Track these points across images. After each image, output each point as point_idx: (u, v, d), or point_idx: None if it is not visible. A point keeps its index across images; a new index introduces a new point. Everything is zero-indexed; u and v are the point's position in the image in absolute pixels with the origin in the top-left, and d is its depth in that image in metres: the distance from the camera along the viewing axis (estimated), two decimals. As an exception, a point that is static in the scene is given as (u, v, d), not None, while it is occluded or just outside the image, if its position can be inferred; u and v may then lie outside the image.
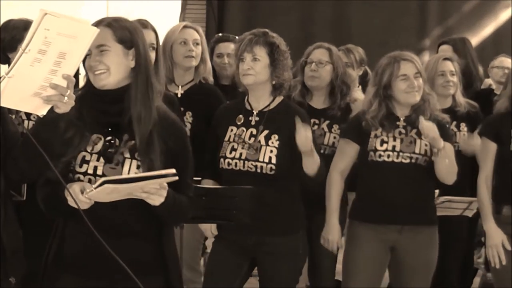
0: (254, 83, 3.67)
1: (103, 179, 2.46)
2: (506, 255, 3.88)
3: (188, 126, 4.16)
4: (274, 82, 3.69)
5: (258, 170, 3.61)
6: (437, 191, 4.08)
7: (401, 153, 3.86)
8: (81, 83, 2.81)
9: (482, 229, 4.08)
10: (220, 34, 5.44)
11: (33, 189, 2.79)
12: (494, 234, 3.90)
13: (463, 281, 4.92)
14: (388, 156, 3.87)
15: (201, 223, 3.83)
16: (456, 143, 4.48)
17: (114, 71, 2.66)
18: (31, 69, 2.35)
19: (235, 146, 3.68)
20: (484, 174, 3.97)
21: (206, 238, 4.79)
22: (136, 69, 2.69)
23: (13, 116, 2.85)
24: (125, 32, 2.69)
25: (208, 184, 3.75)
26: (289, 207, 3.69)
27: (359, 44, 5.27)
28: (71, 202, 2.54)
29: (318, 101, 4.43)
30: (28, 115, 3.65)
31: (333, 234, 3.99)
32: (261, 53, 3.64)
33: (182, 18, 8.59)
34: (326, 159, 3.87)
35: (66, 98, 2.45)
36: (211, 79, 4.45)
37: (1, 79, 2.36)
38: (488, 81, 5.36)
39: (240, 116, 3.74)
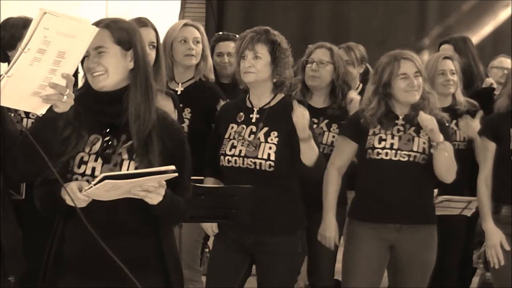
0: (255, 81, 3.66)
1: (103, 174, 2.46)
2: (505, 255, 3.88)
3: (186, 122, 4.17)
4: (275, 80, 3.68)
5: (257, 167, 3.60)
6: (436, 190, 4.07)
7: (399, 151, 3.85)
8: (80, 83, 2.81)
9: (481, 228, 4.08)
10: (220, 33, 5.42)
11: (32, 188, 2.78)
12: (493, 234, 3.90)
13: (462, 280, 4.91)
14: (386, 154, 3.86)
15: (200, 222, 3.83)
16: (456, 142, 4.48)
17: (113, 72, 2.66)
18: (31, 68, 2.35)
19: (235, 144, 3.67)
20: (483, 174, 3.97)
21: (207, 238, 4.80)
22: (134, 71, 2.69)
23: (12, 114, 2.83)
24: (123, 34, 2.68)
25: (210, 182, 3.76)
26: (288, 207, 3.68)
27: (358, 43, 5.26)
28: (68, 201, 2.54)
29: (318, 101, 4.43)
30: (27, 113, 3.65)
31: (330, 231, 3.99)
32: (263, 51, 3.64)
33: (182, 17, 8.60)
34: (325, 158, 3.86)
35: (65, 97, 2.45)
36: (212, 76, 4.45)
37: (1, 78, 2.36)
38: (489, 80, 5.35)
39: (241, 113, 3.74)
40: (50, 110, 2.47)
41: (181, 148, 2.77)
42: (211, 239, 4.05)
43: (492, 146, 3.96)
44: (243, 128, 3.70)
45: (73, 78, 2.46)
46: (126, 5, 7.53)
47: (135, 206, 2.63)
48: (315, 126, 4.28)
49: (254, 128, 3.69)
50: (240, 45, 3.68)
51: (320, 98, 4.43)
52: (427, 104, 3.91)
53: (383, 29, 8.55)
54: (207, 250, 5.50)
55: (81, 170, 2.67)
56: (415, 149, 3.86)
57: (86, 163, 2.68)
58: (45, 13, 2.29)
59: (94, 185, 2.46)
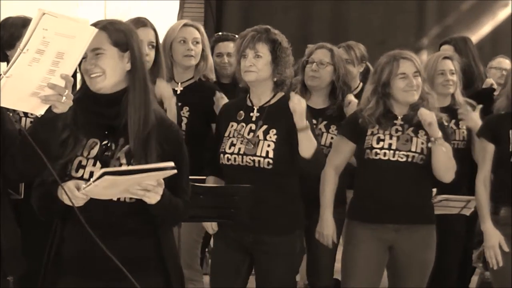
0: (256, 80, 3.66)
1: (102, 170, 2.45)
2: (505, 256, 3.88)
3: (184, 120, 4.18)
4: (275, 79, 3.68)
5: (256, 165, 3.60)
6: (434, 190, 4.07)
7: (397, 151, 3.85)
8: (78, 85, 2.81)
9: (480, 228, 4.08)
10: (220, 34, 5.42)
11: (31, 189, 2.79)
12: (492, 235, 3.90)
13: (461, 280, 4.91)
14: (384, 154, 3.86)
15: (200, 221, 3.83)
16: (455, 141, 4.48)
17: (110, 74, 2.66)
18: (29, 69, 2.35)
19: (234, 142, 3.68)
20: (482, 175, 3.97)
21: (208, 239, 4.80)
22: (132, 72, 2.69)
23: (10, 114, 2.83)
24: (120, 35, 2.69)
25: (211, 180, 3.76)
26: (288, 206, 3.68)
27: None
28: (66, 200, 2.54)
29: (317, 102, 4.42)
30: (25, 112, 3.64)
31: (327, 229, 4.00)
32: (263, 50, 3.64)
33: (180, 17, 8.60)
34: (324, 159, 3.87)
35: (64, 98, 2.45)
36: (212, 76, 4.46)
37: (-1, 78, 2.36)
38: (490, 81, 5.34)
39: (241, 112, 3.74)
40: (49, 110, 2.47)
41: (179, 150, 2.77)
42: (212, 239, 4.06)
43: (490, 148, 3.96)
44: (243, 126, 3.70)
45: (72, 79, 2.46)
46: (125, 5, 7.52)
47: (134, 206, 2.64)
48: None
49: (253, 126, 3.69)
50: (240, 44, 3.68)
51: (319, 99, 4.42)
52: (426, 104, 3.90)
53: (382, 29, 8.56)
54: (207, 250, 5.49)
55: (79, 174, 2.67)
56: (413, 149, 3.86)
57: (84, 167, 2.68)
58: (44, 13, 2.29)
59: (94, 181, 2.45)
